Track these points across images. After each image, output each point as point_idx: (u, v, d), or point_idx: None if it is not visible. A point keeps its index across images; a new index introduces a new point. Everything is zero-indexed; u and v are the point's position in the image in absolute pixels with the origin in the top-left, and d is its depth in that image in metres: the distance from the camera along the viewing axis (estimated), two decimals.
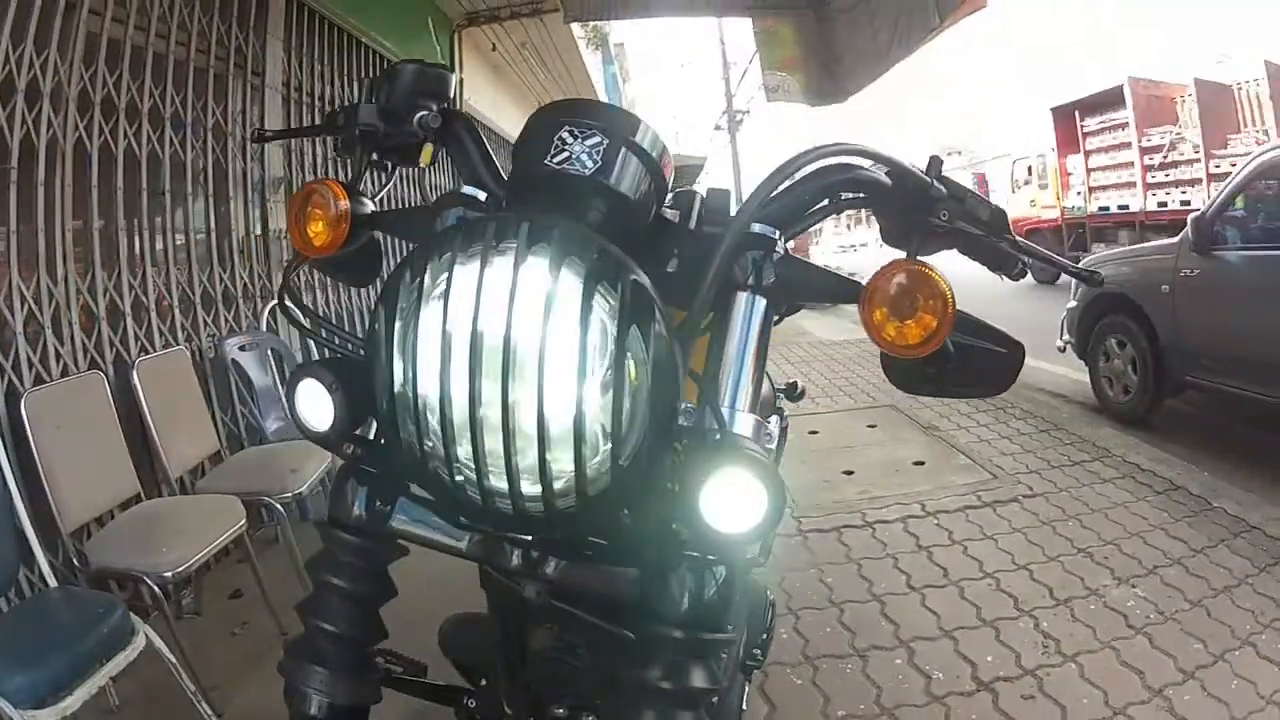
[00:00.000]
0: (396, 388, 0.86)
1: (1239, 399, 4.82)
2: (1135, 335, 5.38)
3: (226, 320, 3.84)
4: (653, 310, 0.83)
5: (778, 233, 0.98)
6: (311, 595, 1.07)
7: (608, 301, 0.81)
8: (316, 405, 0.94)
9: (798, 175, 0.95)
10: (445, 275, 0.83)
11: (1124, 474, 4.27)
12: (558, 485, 0.83)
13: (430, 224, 1.11)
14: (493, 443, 0.81)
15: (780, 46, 7.87)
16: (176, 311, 3.47)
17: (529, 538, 0.94)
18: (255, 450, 3.47)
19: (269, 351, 3.89)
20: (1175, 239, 5.24)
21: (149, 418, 2.91)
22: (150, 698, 2.35)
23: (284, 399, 0.94)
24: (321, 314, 4.90)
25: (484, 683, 1.31)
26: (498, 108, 9.16)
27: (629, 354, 0.81)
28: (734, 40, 19.70)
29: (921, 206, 0.97)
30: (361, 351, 1.05)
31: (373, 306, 0.94)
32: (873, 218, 1.05)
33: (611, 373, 0.80)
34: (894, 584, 3.08)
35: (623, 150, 0.97)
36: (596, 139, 0.96)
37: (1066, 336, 6.02)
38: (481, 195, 1.12)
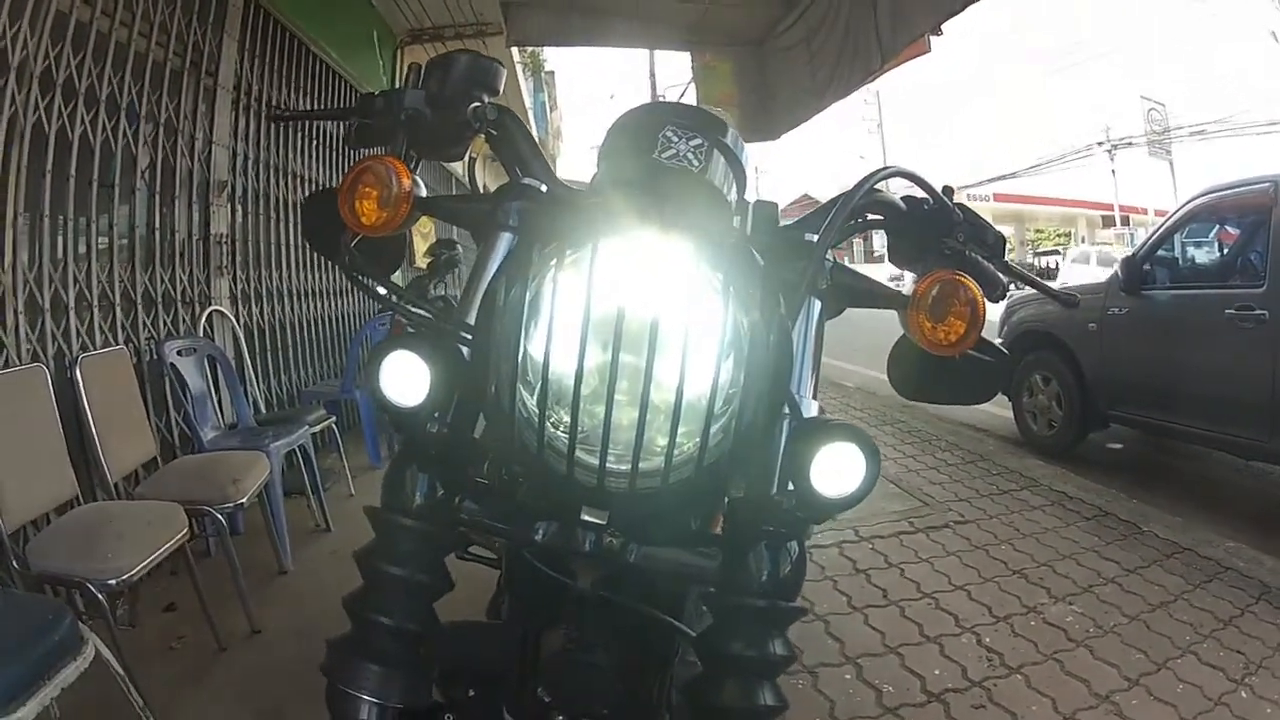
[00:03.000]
0: (520, 359, 0.87)
1: (1164, 430, 5.08)
2: (1061, 371, 5.61)
3: (165, 323, 3.70)
4: (777, 297, 0.91)
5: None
6: (362, 587, 1.01)
7: (740, 287, 0.87)
8: (406, 380, 0.91)
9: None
10: (588, 252, 0.85)
11: (1053, 501, 4.42)
12: (676, 459, 0.87)
13: (490, 212, 1.12)
14: (619, 416, 0.85)
15: (718, 82, 8.00)
16: (118, 310, 3.33)
17: (604, 523, 0.94)
18: (194, 458, 3.32)
19: (206, 358, 3.76)
20: (1103, 280, 5.49)
21: (89, 417, 2.76)
22: (92, 712, 2.18)
23: (365, 372, 0.91)
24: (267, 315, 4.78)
25: (472, 694, 1.25)
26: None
27: (754, 335, 0.87)
28: (663, 74, 20.18)
29: (940, 229, 1.10)
30: (430, 317, 1.07)
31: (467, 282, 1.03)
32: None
33: (746, 350, 0.86)
34: (835, 604, 3.14)
35: (719, 152, 1.02)
36: (699, 140, 1.01)
37: None
38: (543, 186, 1.14)
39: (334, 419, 4.35)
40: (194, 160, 3.97)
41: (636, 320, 0.83)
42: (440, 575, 1.03)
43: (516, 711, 1.15)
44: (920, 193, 1.14)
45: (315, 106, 5.65)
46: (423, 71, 1.17)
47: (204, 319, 3.99)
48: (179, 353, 3.54)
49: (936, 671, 2.68)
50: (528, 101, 13.05)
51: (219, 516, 2.83)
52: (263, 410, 4.43)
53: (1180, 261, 5.30)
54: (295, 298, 5.34)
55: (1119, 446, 6.07)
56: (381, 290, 1.19)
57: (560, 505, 0.95)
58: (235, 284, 4.44)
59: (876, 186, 1.10)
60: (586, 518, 0.94)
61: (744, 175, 1.08)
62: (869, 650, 2.80)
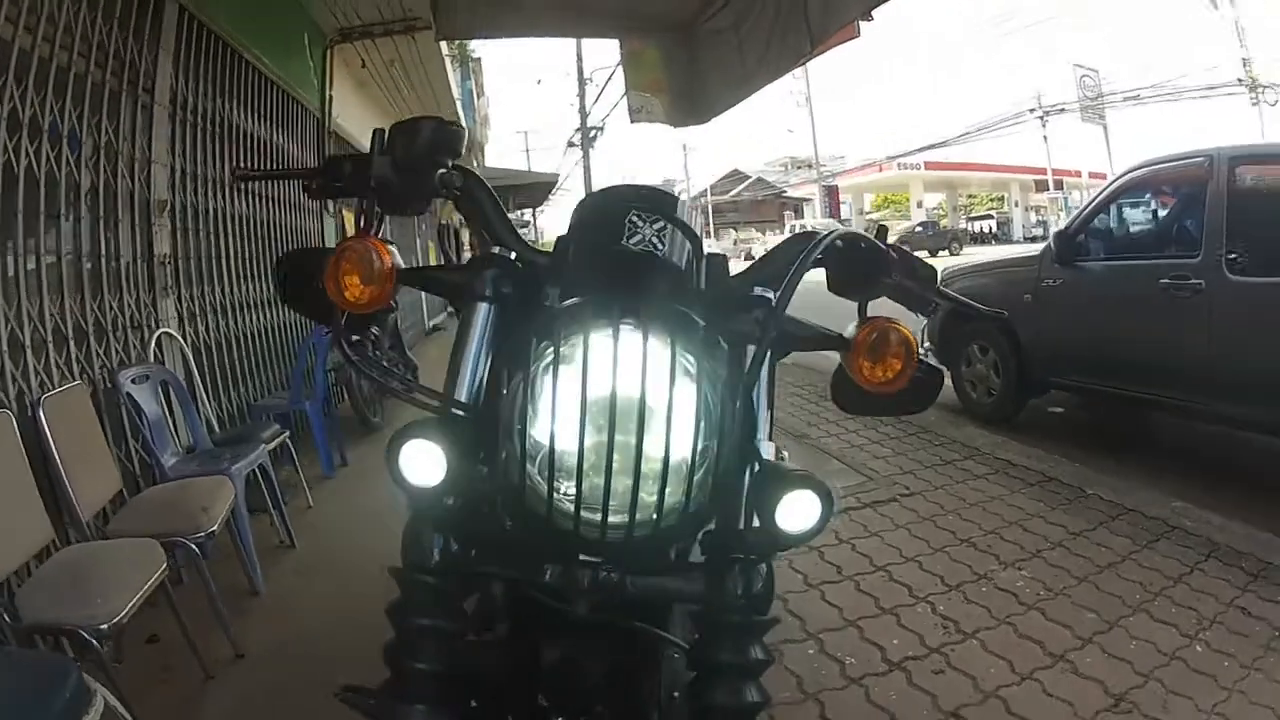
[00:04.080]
0: (524, 438, 1.00)
1: (1104, 395, 5.29)
2: (998, 341, 5.76)
3: (117, 351, 3.61)
4: (741, 371, 1.06)
5: (772, 293, 1.17)
6: (396, 639, 1.11)
7: (708, 365, 1.02)
8: (423, 463, 1.01)
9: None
10: (580, 342, 0.98)
11: (996, 470, 4.55)
12: (664, 509, 0.99)
13: (467, 282, 1.21)
14: (614, 482, 0.97)
15: (646, 69, 7.93)
16: (71, 343, 3.25)
17: (600, 560, 1.05)
18: (160, 489, 3.27)
19: (159, 383, 3.69)
20: (1036, 252, 5.67)
21: (57, 458, 2.68)
22: None
23: (385, 460, 0.99)
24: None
25: (474, 705, 1.30)
26: (363, 126, 8.94)
27: (723, 405, 1.01)
28: (590, 58, 20.07)
29: (876, 267, 1.22)
30: (436, 403, 1.15)
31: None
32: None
33: (718, 420, 1.01)
34: (791, 583, 3.21)
35: (676, 230, 1.14)
36: (660, 223, 1.13)
37: (927, 344, 6.31)
38: (512, 255, 1.23)
39: (288, 433, 4.31)
40: (134, 181, 3.87)
41: (624, 400, 0.96)
42: (462, 618, 1.16)
43: (519, 716, 1.22)
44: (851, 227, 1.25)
45: (254, 121, 5.56)
46: (387, 136, 1.21)
47: (153, 343, 3.91)
48: (133, 381, 3.47)
49: (895, 641, 2.78)
50: (455, 91, 12.88)
51: (193, 546, 2.79)
52: (215, 429, 4.37)
53: (1114, 233, 5.47)
54: (238, 311, 5.25)
55: (1059, 410, 6.26)
56: (381, 377, 1.24)
57: (562, 548, 1.05)
58: (180, 304, 4.35)
59: (815, 228, 1.28)
60: (584, 557, 1.04)
61: (699, 240, 1.19)
62: (829, 625, 2.89)
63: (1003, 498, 4.10)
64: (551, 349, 0.99)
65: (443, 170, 1.22)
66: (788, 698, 2.46)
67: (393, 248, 1.18)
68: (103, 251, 3.60)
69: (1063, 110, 31.69)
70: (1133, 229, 5.52)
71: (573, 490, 0.97)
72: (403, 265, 1.19)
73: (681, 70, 7.62)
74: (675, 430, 0.96)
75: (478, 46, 15.48)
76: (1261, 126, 23.16)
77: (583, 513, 0.99)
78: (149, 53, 3.98)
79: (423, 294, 12.95)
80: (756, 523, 1.06)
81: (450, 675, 1.10)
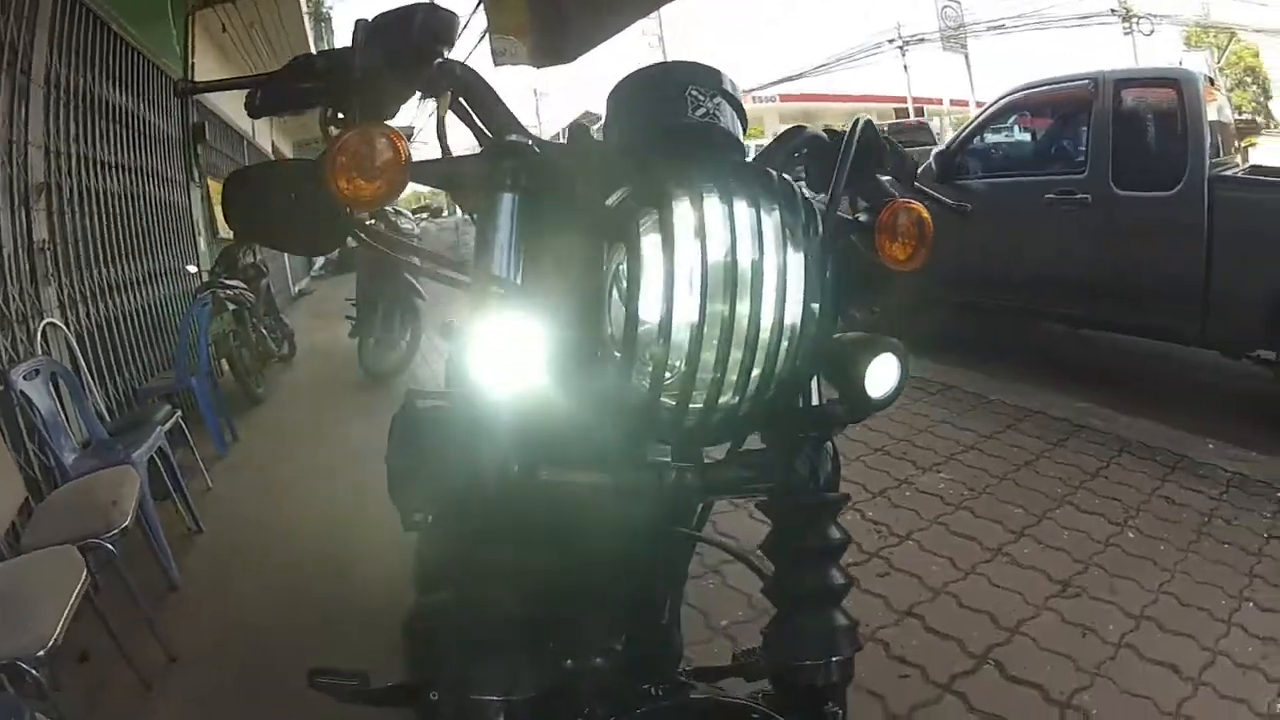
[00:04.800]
0: (634, 317, 0.90)
1: (987, 308, 5.51)
2: None
3: (5, 349, 3.43)
4: (832, 237, 1.03)
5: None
6: (473, 578, 1.02)
7: (803, 232, 0.97)
8: (508, 353, 0.88)
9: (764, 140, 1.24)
10: (685, 208, 0.90)
11: None
12: (761, 385, 0.96)
13: (489, 174, 1.05)
14: (725, 354, 0.91)
15: (511, 12, 7.74)
16: None
17: (670, 459, 1.03)
18: (65, 490, 3.11)
19: (50, 376, 3.53)
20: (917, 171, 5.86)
21: None
22: None
23: (456, 359, 0.89)
24: None
25: None
26: (226, 95, 8.54)
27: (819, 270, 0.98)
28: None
29: (876, 161, 1.27)
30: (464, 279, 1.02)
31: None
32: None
33: (825, 283, 0.99)
34: (718, 505, 3.23)
35: (729, 104, 1.09)
36: (718, 97, 1.06)
37: None
38: (529, 141, 1.09)
39: (180, 413, 4.19)
40: (12, 165, 3.65)
41: (725, 268, 0.90)
42: (532, 547, 1.01)
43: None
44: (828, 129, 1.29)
45: (119, 90, 5.27)
46: (372, 27, 1.06)
47: (39, 334, 3.72)
48: (25, 377, 3.28)
49: None
50: (314, 49, 12.44)
51: (109, 546, 2.64)
52: (105, 418, 4.21)
53: (995, 152, 5.63)
54: (117, 292, 5.02)
55: (945, 326, 6.16)
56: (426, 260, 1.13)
57: (626, 450, 0.99)
58: (61, 290, 4.13)
59: (803, 125, 1.28)
60: (653, 458, 1.00)
61: (745, 118, 1.13)
62: (760, 540, 2.91)
63: (906, 406, 4.17)
64: (654, 216, 0.91)
65: (441, 61, 1.07)
66: (741, 615, 2.47)
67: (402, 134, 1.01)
68: None
69: (923, 40, 31.77)
70: (1015, 148, 5.70)
71: (668, 370, 0.91)
72: (413, 156, 1.00)
73: (545, 12, 7.46)
74: (776, 295, 0.91)
75: (335, 3, 14.91)
76: (1135, 55, 23.65)
77: (670, 398, 0.93)
78: (27, 32, 3.76)
79: (286, 259, 12.31)
80: (816, 400, 1.07)
81: (527, 616, 0.99)
